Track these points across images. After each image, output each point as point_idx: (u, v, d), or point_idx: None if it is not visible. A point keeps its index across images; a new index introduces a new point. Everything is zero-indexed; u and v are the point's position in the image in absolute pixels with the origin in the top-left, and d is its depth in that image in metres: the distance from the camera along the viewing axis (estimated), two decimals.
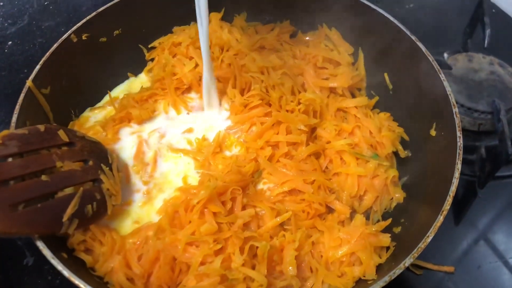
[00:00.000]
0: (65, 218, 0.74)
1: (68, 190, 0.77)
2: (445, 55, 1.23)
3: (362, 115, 0.99)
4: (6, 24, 1.35)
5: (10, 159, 0.73)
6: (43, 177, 0.74)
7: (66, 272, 0.69)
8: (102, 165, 0.84)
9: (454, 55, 1.22)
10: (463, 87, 1.15)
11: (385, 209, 0.93)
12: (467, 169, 1.07)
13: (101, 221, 0.83)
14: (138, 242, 0.82)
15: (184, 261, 0.78)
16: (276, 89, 0.97)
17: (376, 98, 1.05)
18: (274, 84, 0.98)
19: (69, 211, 0.75)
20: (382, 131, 0.97)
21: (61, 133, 0.81)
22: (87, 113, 1.03)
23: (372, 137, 0.97)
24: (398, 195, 0.93)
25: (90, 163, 0.83)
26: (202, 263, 0.78)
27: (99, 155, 0.85)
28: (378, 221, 0.91)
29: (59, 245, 0.79)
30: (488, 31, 1.22)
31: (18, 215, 0.69)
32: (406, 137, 0.99)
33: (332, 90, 1.04)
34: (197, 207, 0.81)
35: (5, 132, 0.76)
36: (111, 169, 0.85)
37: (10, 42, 1.29)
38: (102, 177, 0.82)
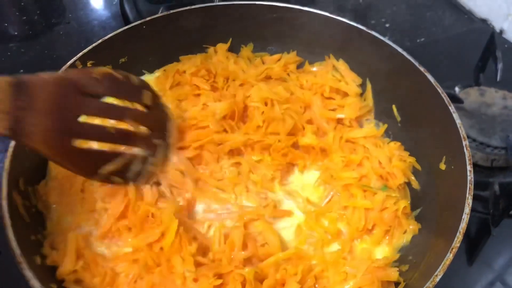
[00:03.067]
0: (103, 171, 0.77)
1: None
2: (457, 89, 1.20)
3: (371, 145, 0.96)
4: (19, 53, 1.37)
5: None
6: (110, 128, 0.77)
7: None
8: (161, 142, 0.86)
9: (465, 89, 1.19)
10: (475, 122, 1.11)
11: (402, 244, 0.88)
12: (480, 206, 1.02)
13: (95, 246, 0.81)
14: (131, 276, 0.77)
15: None
16: (275, 125, 0.95)
17: (385, 126, 1.02)
18: (274, 118, 0.96)
19: (110, 168, 0.78)
20: (393, 161, 0.93)
21: (147, 95, 0.83)
22: None
23: (381, 167, 0.93)
24: (412, 227, 0.88)
25: (154, 134, 0.84)
26: None
27: (163, 130, 0.87)
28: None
29: (49, 276, 0.76)
30: (500, 65, 1.19)
31: (70, 149, 0.72)
32: (418, 167, 0.95)
33: (339, 121, 1.02)
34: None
35: (104, 70, 0.77)
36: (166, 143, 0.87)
37: (21, 70, 1.31)
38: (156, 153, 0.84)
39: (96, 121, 0.77)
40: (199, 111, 0.96)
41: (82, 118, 0.74)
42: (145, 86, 0.84)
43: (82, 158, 0.75)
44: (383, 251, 0.86)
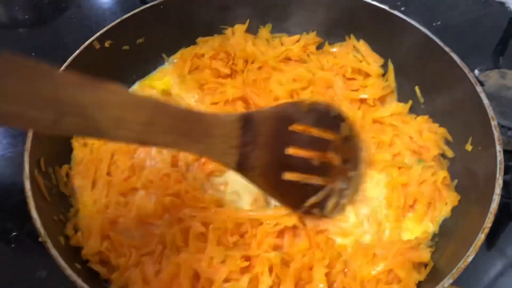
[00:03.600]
0: (307, 204, 0.78)
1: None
2: (476, 71, 1.18)
3: (399, 123, 0.94)
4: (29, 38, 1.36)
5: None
6: (314, 161, 0.77)
7: (79, 283, 0.66)
8: (355, 174, 0.85)
9: (485, 71, 1.18)
10: (495, 104, 1.09)
11: (445, 216, 0.86)
12: (502, 191, 1.01)
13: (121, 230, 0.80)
14: (156, 256, 0.77)
15: (207, 277, 0.73)
16: None
17: (410, 102, 1.00)
18: None
19: (313, 200, 0.78)
20: (424, 134, 0.91)
21: (345, 125, 0.82)
22: None
23: (413, 142, 0.92)
24: (453, 198, 0.86)
25: (350, 166, 0.84)
26: (226, 280, 0.73)
27: (357, 161, 0.87)
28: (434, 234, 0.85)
29: (73, 256, 0.76)
30: None
31: (281, 181, 0.75)
32: (450, 137, 0.93)
33: (362, 102, 1.00)
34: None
35: (309, 102, 0.79)
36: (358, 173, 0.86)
37: (33, 54, 1.29)
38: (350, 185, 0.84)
39: (301, 153, 0.77)
40: None
41: (289, 151, 0.75)
42: (344, 117, 0.83)
43: (291, 190, 0.77)
44: (427, 227, 0.84)
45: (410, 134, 0.93)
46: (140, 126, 0.58)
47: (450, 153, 0.92)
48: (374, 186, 0.89)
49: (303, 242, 0.79)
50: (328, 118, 0.80)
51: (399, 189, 0.86)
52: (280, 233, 0.80)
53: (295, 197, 0.78)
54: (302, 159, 0.76)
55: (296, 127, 0.76)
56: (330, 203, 0.81)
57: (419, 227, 0.84)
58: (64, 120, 0.51)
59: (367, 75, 1.03)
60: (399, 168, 0.88)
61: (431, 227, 0.84)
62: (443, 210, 0.85)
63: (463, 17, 1.45)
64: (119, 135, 0.57)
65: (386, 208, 0.85)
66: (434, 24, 1.42)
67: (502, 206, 0.96)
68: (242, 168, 0.70)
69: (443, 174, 0.86)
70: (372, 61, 1.04)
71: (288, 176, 0.75)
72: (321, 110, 0.80)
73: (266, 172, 0.73)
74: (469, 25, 1.41)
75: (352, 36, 1.07)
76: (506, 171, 0.99)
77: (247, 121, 0.69)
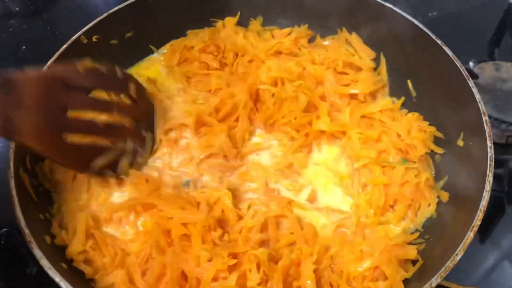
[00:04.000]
0: (95, 169, 0.79)
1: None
2: (471, 63, 1.17)
3: (388, 119, 0.93)
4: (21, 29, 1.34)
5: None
6: (98, 122, 0.78)
7: (63, 284, 0.65)
8: (146, 132, 0.87)
9: (480, 64, 1.17)
10: (490, 97, 1.08)
11: (429, 216, 0.86)
12: (495, 184, 0.98)
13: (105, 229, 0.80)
14: (142, 256, 0.76)
15: (195, 276, 0.73)
16: (288, 104, 0.93)
17: (402, 99, 0.99)
18: (287, 97, 0.93)
19: (101, 162, 0.79)
20: (412, 133, 0.91)
21: (132, 87, 0.84)
22: None
23: (400, 140, 0.91)
24: (439, 196, 0.86)
25: (140, 125, 0.85)
26: (214, 279, 0.72)
27: (150, 121, 0.89)
28: (417, 230, 0.84)
29: (59, 255, 0.75)
30: None
31: (60, 144, 0.74)
32: (440, 135, 0.92)
33: (353, 97, 0.98)
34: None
35: (88, 64, 0.79)
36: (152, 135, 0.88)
37: (23, 47, 1.28)
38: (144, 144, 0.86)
39: (84, 115, 0.77)
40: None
41: (71, 113, 0.75)
42: (130, 78, 0.84)
43: (73, 152, 0.76)
44: (407, 228, 0.84)
45: (398, 131, 0.92)
46: None
47: (439, 150, 0.91)
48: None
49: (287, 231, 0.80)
50: (113, 79, 0.82)
51: (381, 188, 0.85)
52: (264, 226, 0.80)
53: (81, 159, 0.78)
54: (85, 121, 0.77)
55: (74, 90, 0.76)
56: (123, 164, 0.82)
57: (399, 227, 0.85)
58: None
59: (358, 69, 1.01)
60: (383, 166, 0.87)
61: (412, 228, 0.84)
62: (426, 211, 0.85)
63: (459, 7, 1.44)
64: None
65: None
66: (430, 14, 1.40)
67: (495, 200, 0.98)
68: (7, 132, 0.68)
69: (425, 175, 0.86)
70: (364, 55, 1.03)
71: (71, 138, 0.75)
72: (103, 71, 0.80)
73: (40, 135, 0.71)
74: (464, 16, 1.40)
75: (344, 29, 1.06)
76: (500, 164, 1.00)
77: (7, 84, 0.67)
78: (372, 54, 1.03)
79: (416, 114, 0.95)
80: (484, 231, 0.96)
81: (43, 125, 0.71)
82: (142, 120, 0.86)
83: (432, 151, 0.92)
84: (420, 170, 0.87)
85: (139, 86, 0.87)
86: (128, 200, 0.82)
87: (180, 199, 0.81)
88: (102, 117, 0.79)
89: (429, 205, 0.85)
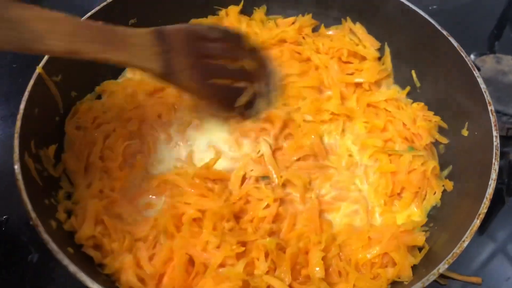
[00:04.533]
0: (239, 103, 0.92)
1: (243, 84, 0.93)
2: (472, 56, 1.19)
3: (394, 108, 0.95)
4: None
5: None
6: (233, 67, 0.91)
7: (71, 268, 0.65)
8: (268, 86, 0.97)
9: (481, 56, 1.18)
10: (491, 90, 1.08)
11: (434, 205, 0.87)
12: None
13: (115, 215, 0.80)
14: (151, 238, 0.77)
15: (202, 262, 0.74)
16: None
17: (408, 88, 1.00)
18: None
19: (244, 98, 0.92)
20: (417, 122, 0.92)
21: (249, 41, 0.95)
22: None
23: (406, 129, 0.92)
24: (444, 185, 0.87)
25: (262, 77, 0.96)
26: (221, 265, 0.73)
27: (267, 75, 0.98)
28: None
29: (66, 240, 0.75)
30: None
31: (208, 84, 0.88)
32: (445, 125, 0.94)
33: (358, 86, 0.99)
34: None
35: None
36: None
37: None
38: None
39: (218, 60, 0.90)
40: None
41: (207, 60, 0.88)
42: (246, 35, 0.96)
43: (219, 92, 0.90)
44: (413, 215, 0.86)
45: (404, 120, 0.93)
46: (66, 36, 0.70)
47: (444, 140, 0.93)
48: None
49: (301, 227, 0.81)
50: (235, 35, 0.93)
51: (388, 176, 0.86)
52: (277, 217, 0.81)
53: (225, 99, 0.91)
54: (220, 66, 0.90)
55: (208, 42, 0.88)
56: (259, 102, 0.94)
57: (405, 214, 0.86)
58: None
59: (363, 58, 1.02)
60: (389, 155, 0.89)
61: (418, 215, 0.86)
62: (432, 199, 0.87)
63: (459, 1, 1.45)
64: (48, 45, 0.68)
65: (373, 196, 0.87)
66: (430, 7, 1.41)
67: (495, 191, 0.98)
68: (168, 72, 0.82)
69: (433, 164, 0.87)
70: (368, 44, 1.03)
71: (215, 80, 0.89)
72: (224, 29, 0.96)
73: (192, 75, 0.85)
74: (465, 9, 1.41)
75: (348, 18, 1.07)
76: (500, 156, 1.00)
77: (160, 33, 0.82)
78: (377, 44, 1.04)
79: (421, 104, 0.97)
80: (483, 223, 0.96)
81: (193, 65, 0.85)
82: (262, 73, 0.97)
83: (436, 140, 0.93)
84: (426, 158, 0.88)
85: (255, 45, 0.97)
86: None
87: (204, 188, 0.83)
88: (235, 64, 0.91)
89: (435, 193, 0.87)
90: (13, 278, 0.87)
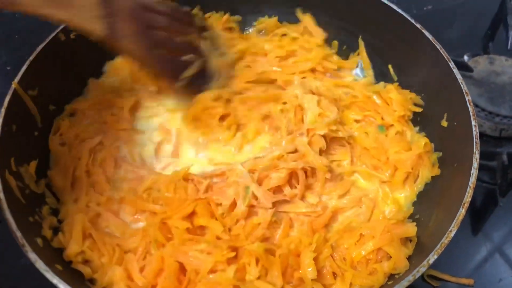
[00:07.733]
0: (184, 75, 1.08)
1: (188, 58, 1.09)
2: (465, 57, 1.37)
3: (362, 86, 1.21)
4: None
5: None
6: (178, 39, 1.08)
7: (61, 286, 0.77)
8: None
9: (475, 57, 1.37)
10: (484, 90, 1.29)
11: (422, 190, 1.05)
12: (487, 177, 1.20)
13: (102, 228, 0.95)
14: (140, 252, 0.90)
15: (193, 268, 0.87)
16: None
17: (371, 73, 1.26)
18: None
19: (191, 70, 1.08)
20: (390, 93, 1.15)
21: (198, 19, 1.19)
22: None
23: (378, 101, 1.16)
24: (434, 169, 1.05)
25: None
26: (212, 271, 0.87)
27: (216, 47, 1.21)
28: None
29: (53, 257, 0.88)
30: (511, 33, 1.36)
31: (154, 52, 1.04)
32: (420, 102, 1.14)
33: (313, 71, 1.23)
34: None
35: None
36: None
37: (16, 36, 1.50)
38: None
39: (165, 32, 1.06)
40: None
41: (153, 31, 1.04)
42: (197, 15, 1.22)
43: (165, 62, 1.07)
44: (405, 196, 1.04)
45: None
46: None
47: (419, 109, 1.13)
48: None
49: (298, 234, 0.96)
50: (181, 11, 1.12)
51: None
52: (273, 224, 0.96)
53: (171, 70, 1.08)
54: (166, 36, 1.06)
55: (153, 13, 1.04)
56: (208, 77, 1.14)
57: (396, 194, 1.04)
58: None
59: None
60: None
61: (409, 193, 1.04)
62: (424, 178, 1.05)
63: (454, 1, 1.66)
64: None
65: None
66: (425, 8, 1.62)
67: (488, 192, 1.18)
68: (111, 36, 0.97)
69: (424, 140, 1.06)
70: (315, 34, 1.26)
71: (160, 50, 1.05)
72: (174, 4, 1.11)
73: (136, 42, 1.01)
74: (459, 9, 1.62)
75: (298, 9, 1.30)
76: (492, 157, 1.20)
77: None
78: (323, 35, 1.27)
79: (396, 84, 1.18)
80: (477, 224, 1.14)
81: (138, 32, 1.00)
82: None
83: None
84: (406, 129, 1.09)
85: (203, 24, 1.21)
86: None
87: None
88: (182, 38, 1.09)
89: (426, 171, 1.04)
90: (6, 282, 0.99)
